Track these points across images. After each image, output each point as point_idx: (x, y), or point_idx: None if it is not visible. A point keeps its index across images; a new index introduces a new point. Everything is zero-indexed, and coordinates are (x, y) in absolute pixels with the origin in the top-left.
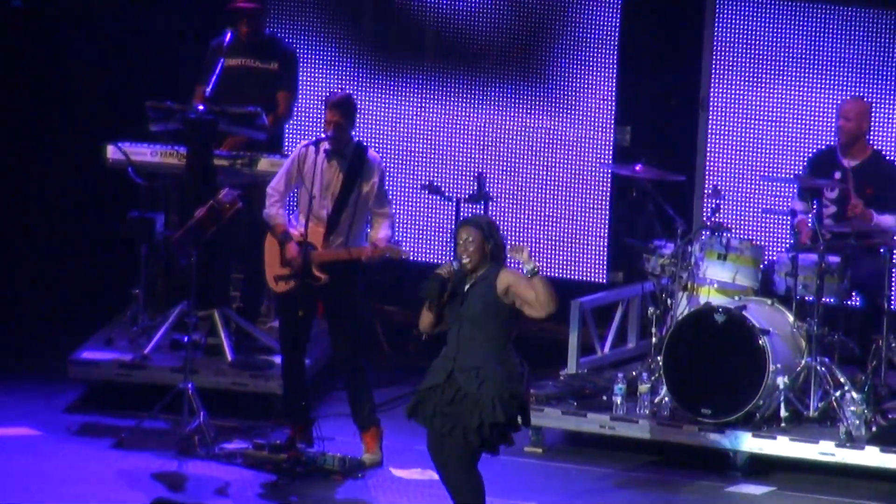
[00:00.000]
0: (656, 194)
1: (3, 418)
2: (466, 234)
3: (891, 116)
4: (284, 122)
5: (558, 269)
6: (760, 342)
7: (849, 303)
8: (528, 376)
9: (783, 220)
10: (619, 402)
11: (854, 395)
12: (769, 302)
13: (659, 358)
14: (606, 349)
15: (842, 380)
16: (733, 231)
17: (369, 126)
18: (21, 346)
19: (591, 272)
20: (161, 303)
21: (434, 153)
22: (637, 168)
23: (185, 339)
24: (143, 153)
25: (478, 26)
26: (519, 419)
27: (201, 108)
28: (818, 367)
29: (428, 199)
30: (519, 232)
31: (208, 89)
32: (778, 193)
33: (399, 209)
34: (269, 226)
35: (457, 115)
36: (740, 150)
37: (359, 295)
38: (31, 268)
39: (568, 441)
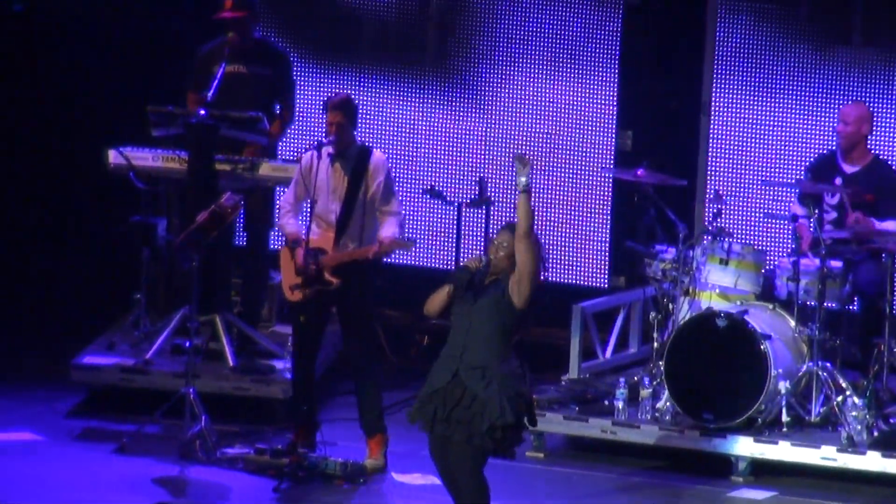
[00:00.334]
0: (658, 199)
1: (5, 422)
2: (504, 239)
3: (891, 123)
4: (288, 126)
5: (560, 273)
6: (762, 347)
7: (850, 307)
8: (528, 378)
9: (785, 224)
10: (620, 407)
11: (856, 399)
12: (771, 307)
13: (661, 363)
14: (608, 354)
15: (843, 385)
16: (735, 236)
17: (371, 130)
18: (23, 350)
19: (592, 277)
20: (163, 307)
21: (435, 157)
22: (639, 173)
23: (187, 343)
24: (145, 158)
25: (479, 30)
26: (525, 419)
27: (203, 112)
28: (820, 372)
29: (429, 203)
30: None
31: (209, 94)
32: (779, 198)
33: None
34: (283, 237)
35: (458, 120)
36: (742, 155)
37: (372, 299)
38: (33, 272)
39: (569, 446)
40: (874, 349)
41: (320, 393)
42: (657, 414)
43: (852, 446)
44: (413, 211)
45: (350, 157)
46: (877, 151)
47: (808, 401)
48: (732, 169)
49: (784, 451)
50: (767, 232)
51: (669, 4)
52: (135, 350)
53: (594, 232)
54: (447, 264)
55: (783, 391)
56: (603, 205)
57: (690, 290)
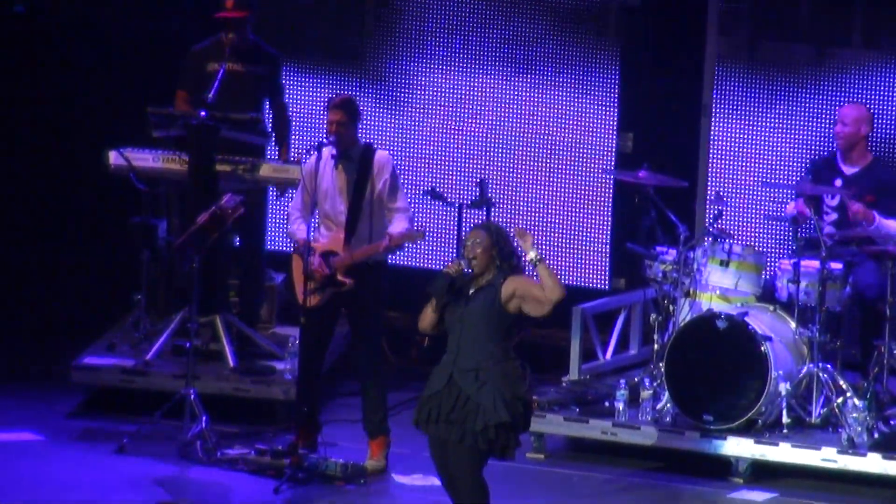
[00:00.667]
0: (659, 200)
1: (6, 423)
2: (475, 237)
3: (891, 123)
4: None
5: (560, 274)
6: (762, 349)
7: (850, 309)
8: (529, 378)
9: (785, 226)
10: (621, 409)
11: (856, 401)
12: (771, 308)
13: (661, 364)
14: (608, 355)
15: (844, 386)
16: (735, 237)
17: (372, 132)
18: (24, 351)
19: (593, 278)
20: (163, 308)
21: (436, 159)
22: (641, 175)
23: (188, 344)
24: (145, 159)
25: (479, 32)
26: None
27: (203, 114)
28: (820, 374)
29: (430, 204)
30: None
31: (210, 95)
32: (780, 199)
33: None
34: (293, 244)
35: (459, 121)
36: (743, 156)
37: (382, 302)
38: (33, 273)
39: (570, 447)
40: (874, 351)
41: (322, 394)
42: (657, 415)
43: (853, 448)
44: (414, 212)
45: (354, 156)
46: (876, 152)
47: (809, 402)
48: (733, 170)
49: (784, 453)
50: (768, 233)
51: (669, 5)
52: (135, 351)
53: (595, 233)
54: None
55: (783, 393)
56: (603, 206)
57: (691, 292)
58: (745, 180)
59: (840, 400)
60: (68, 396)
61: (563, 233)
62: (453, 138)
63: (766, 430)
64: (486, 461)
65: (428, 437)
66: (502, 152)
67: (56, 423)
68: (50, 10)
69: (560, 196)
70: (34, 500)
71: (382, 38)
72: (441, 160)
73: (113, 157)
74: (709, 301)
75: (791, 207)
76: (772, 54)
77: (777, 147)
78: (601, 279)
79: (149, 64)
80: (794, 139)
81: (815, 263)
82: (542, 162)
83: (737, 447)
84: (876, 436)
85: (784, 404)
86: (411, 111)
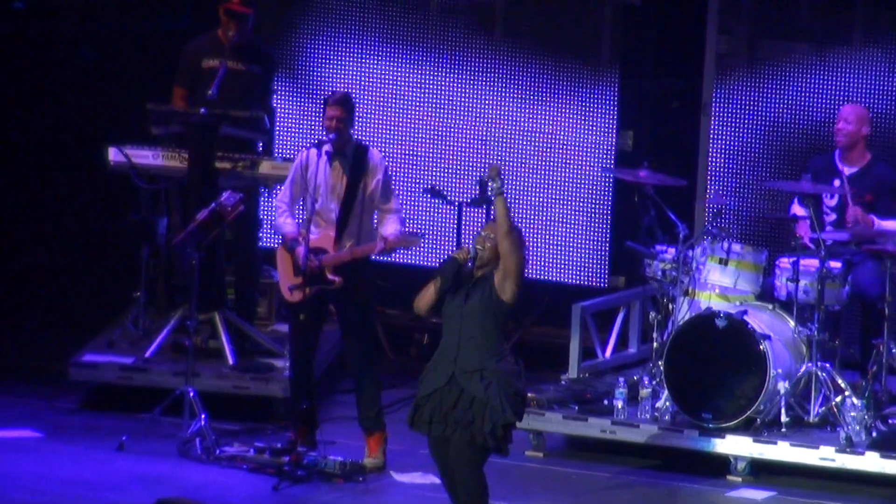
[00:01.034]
0: (658, 199)
1: (5, 420)
2: (490, 231)
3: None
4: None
5: (560, 272)
6: (761, 347)
7: (849, 308)
8: (523, 373)
9: (785, 225)
10: (620, 407)
11: (855, 400)
12: (770, 307)
13: (660, 363)
14: (608, 353)
15: (842, 385)
16: (735, 236)
17: (371, 130)
18: (23, 348)
19: (592, 276)
20: (162, 306)
21: (436, 157)
22: (641, 173)
23: (187, 342)
24: (145, 156)
25: (479, 31)
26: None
27: (203, 110)
28: (819, 373)
29: (430, 202)
30: None
31: (212, 92)
32: (779, 199)
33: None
34: (279, 237)
35: (459, 120)
36: (742, 155)
37: (371, 298)
38: (32, 270)
39: (569, 445)
40: (873, 350)
41: (320, 391)
42: (656, 413)
43: (851, 447)
44: (414, 210)
45: (348, 155)
46: (875, 151)
47: (807, 401)
48: (733, 169)
49: (783, 452)
50: (767, 232)
51: (669, 3)
52: (134, 348)
53: (594, 231)
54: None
55: (782, 391)
56: (603, 205)
57: (690, 290)
58: (745, 179)
59: (839, 399)
60: (68, 393)
61: (562, 231)
62: (454, 136)
63: (764, 428)
64: (486, 459)
65: (427, 437)
66: (502, 150)
67: (55, 420)
68: (49, 6)
69: (560, 194)
70: (34, 497)
71: (380, 39)
72: (441, 158)
73: (112, 154)
74: (708, 299)
75: (795, 208)
76: (771, 53)
77: (777, 146)
78: (600, 277)
79: (148, 61)
80: (794, 138)
81: (815, 262)
82: (541, 160)
83: (735, 446)
84: (874, 435)
85: (783, 403)
86: (412, 110)
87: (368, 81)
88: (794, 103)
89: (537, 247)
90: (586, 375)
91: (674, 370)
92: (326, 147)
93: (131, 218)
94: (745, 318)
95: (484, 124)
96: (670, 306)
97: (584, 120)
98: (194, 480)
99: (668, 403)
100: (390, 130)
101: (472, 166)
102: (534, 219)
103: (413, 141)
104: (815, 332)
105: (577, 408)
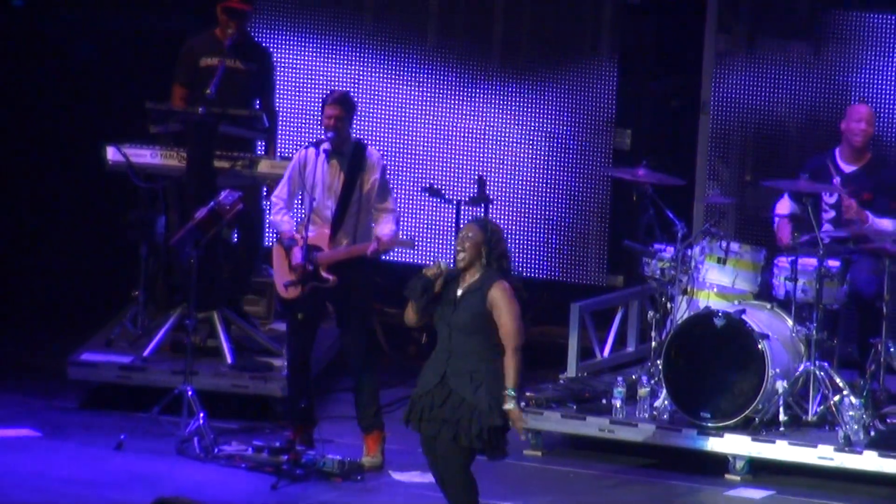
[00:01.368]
0: (656, 197)
1: (4, 418)
2: (468, 231)
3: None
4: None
5: (558, 272)
6: (759, 346)
7: (847, 307)
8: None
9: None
10: (618, 406)
11: (853, 399)
12: (768, 306)
13: (658, 362)
14: (606, 353)
15: (841, 384)
16: (733, 235)
17: (370, 129)
18: (21, 347)
19: (590, 275)
20: (161, 304)
21: (435, 156)
22: (640, 173)
23: (186, 340)
24: (143, 155)
25: (478, 29)
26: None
27: (202, 109)
28: (817, 372)
29: (428, 201)
30: (519, 235)
31: (211, 90)
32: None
33: (399, 211)
34: (276, 234)
35: (457, 118)
36: (741, 154)
37: (369, 296)
38: (31, 269)
39: (567, 444)
40: (871, 349)
41: (318, 390)
42: (655, 412)
43: (849, 446)
44: (412, 209)
45: (346, 153)
46: (873, 150)
47: (806, 400)
48: (731, 168)
49: (781, 451)
50: (765, 231)
51: (668, 2)
52: (133, 347)
53: (593, 230)
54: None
55: (780, 390)
56: (602, 203)
57: (688, 289)
58: (743, 178)
59: (837, 398)
60: (66, 392)
61: (560, 229)
62: (452, 135)
63: (762, 427)
64: (473, 458)
65: (420, 436)
66: (501, 148)
67: (54, 418)
68: (47, 4)
69: (558, 193)
70: (32, 496)
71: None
72: (439, 157)
73: (111, 153)
74: (706, 299)
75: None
76: (771, 51)
77: (776, 144)
78: (599, 276)
79: (147, 59)
80: (793, 136)
81: (813, 261)
82: (540, 159)
83: (734, 445)
84: (872, 434)
85: (781, 402)
86: (411, 109)
87: (368, 81)
88: (794, 101)
89: (536, 246)
90: (585, 374)
91: (672, 369)
92: (325, 145)
93: (130, 217)
94: (744, 317)
95: (483, 122)
96: (669, 305)
97: (583, 118)
98: (193, 479)
99: (666, 402)
100: (390, 129)
101: (471, 165)
102: (532, 217)
103: (412, 140)
104: (814, 331)
105: (575, 407)
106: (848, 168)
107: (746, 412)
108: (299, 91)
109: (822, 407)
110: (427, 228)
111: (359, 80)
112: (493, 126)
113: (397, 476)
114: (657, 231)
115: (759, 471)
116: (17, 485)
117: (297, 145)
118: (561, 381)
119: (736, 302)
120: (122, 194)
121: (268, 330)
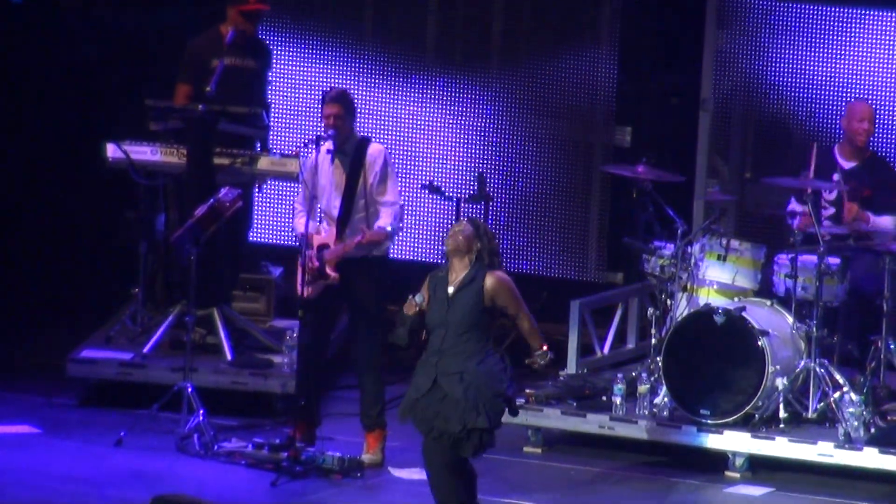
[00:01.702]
0: (656, 195)
1: (4, 415)
2: (460, 226)
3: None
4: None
5: (558, 269)
6: (760, 343)
7: (847, 304)
8: (509, 370)
9: (781, 221)
10: (618, 403)
11: (853, 396)
12: (768, 303)
13: (658, 358)
14: (606, 350)
15: (841, 381)
16: (733, 232)
17: (370, 126)
18: (21, 344)
19: (590, 272)
20: (160, 301)
21: (434, 153)
22: (640, 170)
23: (186, 337)
24: (143, 152)
25: (479, 26)
26: (506, 412)
27: (202, 107)
28: (817, 369)
29: (428, 198)
30: (519, 232)
31: (211, 88)
32: (778, 195)
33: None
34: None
35: (457, 115)
36: (740, 152)
37: (380, 295)
38: (31, 266)
39: (567, 441)
40: (871, 346)
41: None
42: (655, 409)
43: (849, 443)
44: (412, 206)
45: (349, 150)
46: (873, 147)
47: (806, 397)
48: (730, 166)
49: (781, 448)
50: (765, 228)
51: (669, 0)
52: (132, 344)
53: (593, 227)
54: (443, 260)
55: (780, 387)
56: (601, 201)
57: (688, 286)
58: (741, 176)
59: (837, 395)
60: (66, 389)
61: (560, 226)
62: (452, 132)
63: (762, 424)
64: (462, 461)
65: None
66: (500, 146)
67: (54, 415)
68: (48, 1)
69: (557, 190)
70: (32, 493)
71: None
72: (439, 154)
73: (111, 150)
74: (706, 296)
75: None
76: (771, 48)
77: (776, 141)
78: (599, 273)
79: (147, 56)
80: (793, 133)
81: (813, 258)
82: (540, 156)
83: (733, 441)
84: (872, 431)
85: (781, 399)
86: (410, 107)
87: (367, 78)
88: (794, 98)
89: (536, 243)
90: (585, 371)
91: (672, 366)
92: (328, 145)
93: (129, 214)
94: (744, 314)
95: (483, 119)
96: (668, 302)
97: (583, 115)
98: (192, 476)
99: (666, 399)
100: (389, 126)
101: (471, 162)
102: (532, 215)
103: (410, 137)
104: (814, 329)
105: (575, 404)
106: (847, 164)
107: (746, 409)
108: (299, 91)
109: (821, 404)
110: (427, 225)
111: (358, 77)
112: (492, 123)
113: (397, 473)
114: (657, 228)
115: (759, 468)
116: (17, 481)
117: (297, 146)
118: (561, 378)
119: (736, 299)
120: (121, 191)
121: (268, 327)
